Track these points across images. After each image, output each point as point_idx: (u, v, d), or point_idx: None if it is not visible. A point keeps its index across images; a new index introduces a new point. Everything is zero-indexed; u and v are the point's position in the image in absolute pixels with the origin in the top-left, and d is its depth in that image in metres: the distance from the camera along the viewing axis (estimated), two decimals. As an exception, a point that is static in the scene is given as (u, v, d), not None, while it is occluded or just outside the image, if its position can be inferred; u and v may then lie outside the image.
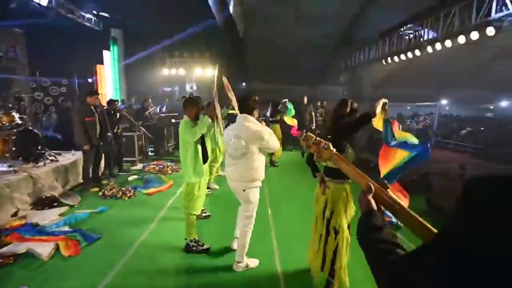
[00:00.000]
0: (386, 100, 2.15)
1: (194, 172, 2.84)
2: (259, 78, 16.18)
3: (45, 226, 3.32)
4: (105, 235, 3.27)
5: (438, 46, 6.87)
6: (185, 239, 2.96)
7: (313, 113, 8.96)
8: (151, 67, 11.18)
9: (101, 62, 10.09)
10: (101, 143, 4.87)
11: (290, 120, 6.57)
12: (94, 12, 9.18)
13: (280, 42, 12.67)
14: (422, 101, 21.13)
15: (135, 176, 5.48)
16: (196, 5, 9.05)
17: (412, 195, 1.99)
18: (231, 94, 3.01)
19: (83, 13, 8.67)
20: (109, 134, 4.89)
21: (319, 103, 9.42)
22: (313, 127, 9.13)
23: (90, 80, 9.67)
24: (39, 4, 6.80)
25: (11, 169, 3.99)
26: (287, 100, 6.52)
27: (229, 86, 3.05)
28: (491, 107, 20.67)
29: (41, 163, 4.44)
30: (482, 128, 16.98)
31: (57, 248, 2.94)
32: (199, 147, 2.87)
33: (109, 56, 10.36)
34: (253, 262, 2.69)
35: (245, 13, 10.65)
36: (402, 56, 8.45)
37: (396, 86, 17.78)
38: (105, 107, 5.21)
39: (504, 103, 19.34)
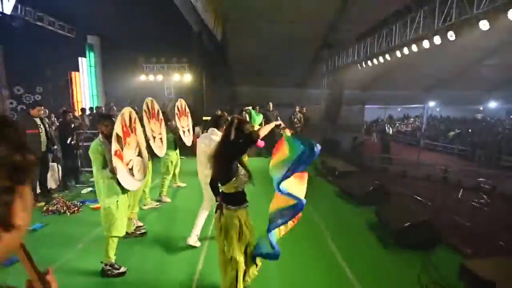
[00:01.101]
0: (279, 123, 2.12)
1: (108, 194, 2.72)
2: (245, 82, 16.11)
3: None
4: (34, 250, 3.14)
5: (405, 50, 6.77)
6: (101, 262, 2.83)
7: (278, 118, 8.86)
8: (129, 73, 11.10)
9: (77, 69, 10.03)
10: (48, 155, 4.76)
11: (256, 128, 6.50)
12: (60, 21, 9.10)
13: (262, 45, 12.57)
14: (411, 102, 21.07)
15: (90, 189, 5.36)
16: (172, 11, 9.01)
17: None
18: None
19: (53, 20, 8.59)
20: (55, 147, 4.77)
21: (297, 108, 9.31)
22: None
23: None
24: (2, 13, 6.72)
25: None
26: (250, 108, 6.42)
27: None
28: (481, 108, 20.55)
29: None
30: (470, 130, 16.85)
31: (-33, 272, 2.82)
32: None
33: (85, 63, 10.27)
34: (197, 244, 3.23)
35: (221, 18, 10.58)
36: (375, 61, 8.33)
37: (384, 87, 17.72)
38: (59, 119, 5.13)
39: (492, 104, 19.20)
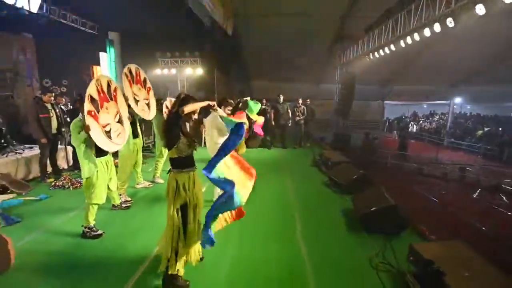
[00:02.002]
0: (212, 103, 2.36)
1: (88, 167, 3.08)
2: (257, 76, 16.25)
3: (-22, 209, 3.76)
4: (25, 220, 3.64)
5: (408, 40, 6.56)
6: (82, 225, 3.22)
7: (289, 110, 8.94)
8: (146, 67, 11.72)
9: (98, 63, 10.82)
10: (58, 138, 5.32)
11: (254, 117, 6.66)
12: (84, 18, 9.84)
13: (274, 40, 12.63)
14: (437, 98, 19.86)
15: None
16: (184, 7, 9.43)
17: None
18: None
19: (76, 18, 9.35)
20: (63, 129, 5.30)
21: (300, 101, 9.32)
22: (289, 124, 9.12)
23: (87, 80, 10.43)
24: (29, 11, 7.48)
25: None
26: (248, 98, 6.59)
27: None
28: (516, 105, 18.94)
29: (3, 155, 4.98)
30: (500, 128, 15.66)
31: (-23, 227, 3.35)
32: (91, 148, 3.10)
33: (106, 58, 11.04)
34: None
35: (231, 12, 10.80)
36: (381, 52, 8.11)
37: (406, 82, 16.88)
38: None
39: (528, 101, 17.60)
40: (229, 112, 3.93)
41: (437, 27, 5.44)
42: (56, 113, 5.24)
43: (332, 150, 8.36)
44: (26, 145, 5.77)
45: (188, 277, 2.43)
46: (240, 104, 6.78)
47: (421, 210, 4.72)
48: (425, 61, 13.67)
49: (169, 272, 2.32)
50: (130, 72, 4.28)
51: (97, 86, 3.10)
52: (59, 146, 5.67)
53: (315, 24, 11.34)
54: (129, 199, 4.21)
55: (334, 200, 4.58)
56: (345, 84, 12.23)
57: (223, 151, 2.15)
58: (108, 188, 3.46)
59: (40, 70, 9.38)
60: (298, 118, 9.17)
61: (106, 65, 11.05)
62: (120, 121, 3.48)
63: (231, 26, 11.33)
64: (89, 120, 2.95)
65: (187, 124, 2.37)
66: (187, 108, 2.19)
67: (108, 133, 3.22)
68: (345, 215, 3.94)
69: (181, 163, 2.30)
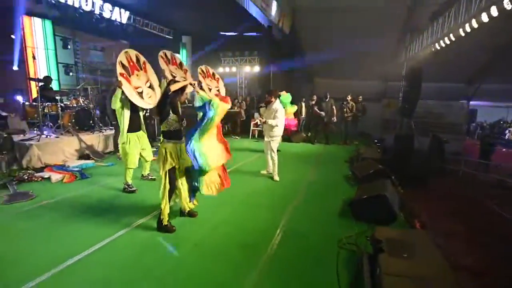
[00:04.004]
0: (193, 82, 2.88)
1: (122, 134, 4.07)
2: (323, 74, 16.06)
3: (67, 166, 5.27)
4: (94, 177, 4.96)
5: (474, 23, 5.78)
6: (123, 182, 4.27)
7: (334, 107, 8.83)
8: (211, 65, 13.14)
9: (173, 63, 12.72)
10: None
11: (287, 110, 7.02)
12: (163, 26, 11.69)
13: (336, 35, 12.40)
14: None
15: (154, 149, 7.23)
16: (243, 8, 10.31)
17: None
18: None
19: (156, 25, 11.26)
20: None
21: (349, 97, 9.11)
22: (334, 120, 9.01)
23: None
24: (120, 22, 9.50)
25: (68, 134, 6.26)
26: (283, 92, 6.96)
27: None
28: None
29: (90, 132, 6.67)
30: None
31: (63, 177, 4.78)
32: (126, 115, 4.02)
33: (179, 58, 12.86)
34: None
35: (289, 11, 11.12)
36: (446, 40, 7.24)
37: (501, 80, 14.16)
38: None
39: None
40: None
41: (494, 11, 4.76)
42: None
43: (379, 149, 7.97)
44: (108, 127, 7.49)
45: (178, 227, 3.11)
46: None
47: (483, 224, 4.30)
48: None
49: (161, 218, 3.03)
50: (202, 70, 5.25)
51: (126, 57, 3.76)
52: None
53: (382, 16, 10.73)
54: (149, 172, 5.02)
55: (344, 190, 4.63)
56: (410, 81, 11.16)
57: (194, 127, 2.72)
58: (145, 159, 4.45)
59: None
60: (346, 114, 8.99)
61: (179, 64, 12.90)
62: (151, 87, 4.02)
63: (288, 25, 11.71)
64: (122, 80, 3.52)
65: (179, 104, 3.02)
66: (173, 87, 2.82)
67: (140, 94, 3.81)
68: (345, 203, 4.02)
69: (170, 135, 2.96)
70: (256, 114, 10.39)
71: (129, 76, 3.72)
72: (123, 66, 3.67)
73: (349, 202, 3.64)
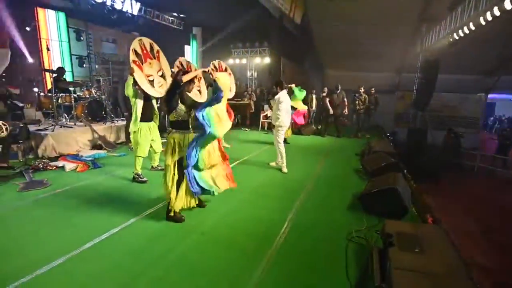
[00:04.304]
0: (206, 69, 2.86)
1: (134, 122, 4.10)
2: (335, 65, 15.75)
3: (81, 156, 5.39)
4: (106, 167, 5.06)
5: (496, 11, 5.52)
6: (133, 172, 4.33)
7: (345, 99, 8.66)
8: (221, 57, 13.09)
9: (183, 55, 12.71)
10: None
11: (296, 104, 6.92)
12: (175, 14, 11.64)
13: (349, 26, 12.08)
14: None
15: (164, 140, 7.30)
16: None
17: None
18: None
19: (167, 16, 11.24)
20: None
21: (362, 89, 8.90)
22: (345, 113, 8.86)
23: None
24: (131, 13, 9.52)
25: (81, 124, 6.38)
26: (293, 85, 6.85)
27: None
28: None
29: (102, 123, 6.78)
30: None
31: (76, 167, 4.89)
32: (139, 104, 4.04)
33: (189, 50, 12.85)
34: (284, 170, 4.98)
35: (300, 1, 10.87)
36: (465, 29, 6.94)
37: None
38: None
39: None
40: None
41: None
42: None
43: (391, 143, 7.80)
44: (120, 118, 7.60)
45: (186, 216, 3.13)
46: (287, 91, 7.16)
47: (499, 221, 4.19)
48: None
49: (169, 207, 3.05)
50: (215, 65, 5.19)
51: (140, 44, 3.78)
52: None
53: (396, 6, 10.35)
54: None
55: (354, 183, 4.56)
56: (426, 73, 10.81)
57: (208, 102, 2.75)
58: (154, 151, 4.49)
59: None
60: (358, 107, 8.82)
61: (189, 56, 12.88)
62: (162, 76, 4.07)
63: (299, 15, 11.48)
64: (134, 67, 3.55)
65: (188, 94, 3.01)
66: (185, 77, 2.80)
67: (151, 82, 3.85)
68: (355, 196, 3.96)
69: (178, 125, 2.96)
70: (266, 106, 10.33)
71: (142, 63, 3.75)
72: (136, 53, 3.69)
73: (359, 195, 3.58)
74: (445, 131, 11.07)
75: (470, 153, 10.82)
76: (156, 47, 4.04)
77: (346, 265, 2.42)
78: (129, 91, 3.98)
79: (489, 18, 5.82)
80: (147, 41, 3.89)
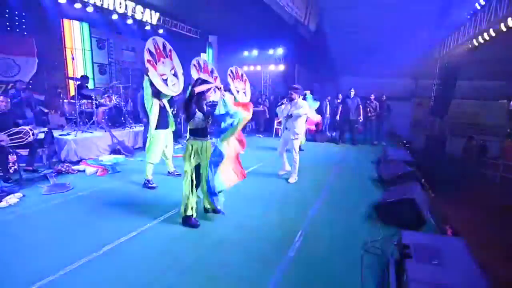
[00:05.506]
0: (220, 85, 2.95)
1: (150, 131, 4.22)
2: (350, 72, 15.63)
3: (100, 160, 5.59)
4: (123, 172, 5.22)
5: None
6: (144, 178, 4.43)
7: (360, 105, 8.56)
8: (236, 64, 13.28)
9: (199, 63, 13.00)
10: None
11: (309, 113, 6.93)
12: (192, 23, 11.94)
13: (363, 33, 12.01)
14: None
15: (179, 145, 7.46)
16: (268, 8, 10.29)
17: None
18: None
19: (184, 25, 11.56)
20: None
21: (372, 96, 8.80)
22: (360, 120, 8.75)
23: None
24: (151, 23, 9.86)
25: (101, 129, 6.63)
26: (308, 92, 6.87)
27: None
28: None
29: (121, 129, 7.02)
30: None
31: (96, 171, 5.07)
32: (155, 111, 4.12)
33: (206, 58, 13.11)
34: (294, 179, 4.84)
35: (314, 8, 10.91)
36: (486, 35, 6.77)
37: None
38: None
39: None
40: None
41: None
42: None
43: (408, 150, 7.62)
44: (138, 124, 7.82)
45: (201, 222, 3.20)
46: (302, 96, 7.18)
47: None
48: None
49: (186, 214, 3.12)
50: (232, 71, 5.37)
51: (153, 44, 3.88)
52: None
53: (413, 11, 10.23)
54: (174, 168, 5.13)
55: (370, 192, 4.49)
56: (444, 79, 10.57)
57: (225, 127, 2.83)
58: (166, 157, 4.60)
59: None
60: (369, 114, 8.71)
61: (205, 64, 13.15)
62: (175, 75, 4.17)
63: (314, 22, 11.52)
64: (149, 66, 3.65)
65: (204, 103, 3.09)
66: (197, 89, 2.89)
67: (165, 81, 3.95)
68: (370, 205, 3.90)
69: (197, 133, 3.04)
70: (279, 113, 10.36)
71: (156, 63, 3.83)
72: (150, 53, 3.78)
73: (375, 205, 3.53)
74: (465, 138, 10.71)
75: (493, 162, 10.38)
76: (168, 46, 4.12)
77: (362, 276, 2.39)
78: (147, 91, 3.97)
79: (510, 24, 5.65)
80: (160, 40, 3.99)
